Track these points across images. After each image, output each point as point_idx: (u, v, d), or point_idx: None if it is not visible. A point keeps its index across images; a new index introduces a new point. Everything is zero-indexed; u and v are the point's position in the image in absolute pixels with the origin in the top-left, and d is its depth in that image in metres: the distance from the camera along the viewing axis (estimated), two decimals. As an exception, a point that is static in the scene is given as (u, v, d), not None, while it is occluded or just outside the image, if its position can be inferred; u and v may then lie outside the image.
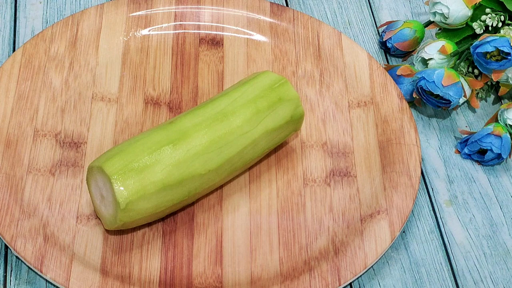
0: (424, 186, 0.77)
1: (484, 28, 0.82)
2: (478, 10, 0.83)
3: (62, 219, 0.70)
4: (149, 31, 0.83)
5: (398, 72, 0.81)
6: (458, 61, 0.81)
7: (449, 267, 0.72)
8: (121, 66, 0.80)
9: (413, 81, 0.82)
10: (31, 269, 0.68)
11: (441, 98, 0.78)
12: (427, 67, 0.82)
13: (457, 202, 0.76)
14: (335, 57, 0.82)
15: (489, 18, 0.81)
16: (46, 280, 0.67)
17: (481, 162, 0.79)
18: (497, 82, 0.84)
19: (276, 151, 0.76)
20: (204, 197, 0.73)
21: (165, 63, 0.81)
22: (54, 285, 0.67)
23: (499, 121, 0.79)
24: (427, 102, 0.79)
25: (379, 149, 0.76)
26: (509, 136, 0.78)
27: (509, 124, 0.79)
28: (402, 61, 0.86)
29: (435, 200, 0.76)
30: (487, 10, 0.82)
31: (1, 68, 0.77)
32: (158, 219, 0.71)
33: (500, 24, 0.81)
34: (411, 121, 0.78)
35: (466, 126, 0.82)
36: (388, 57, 0.86)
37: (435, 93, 0.78)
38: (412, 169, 0.74)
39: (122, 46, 0.82)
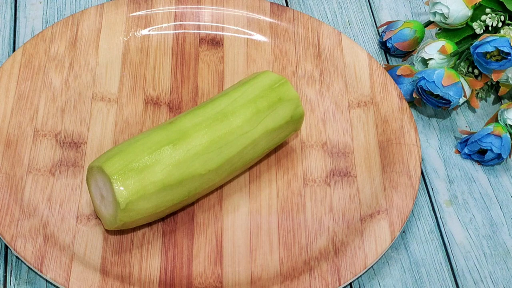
0: (424, 186, 0.77)
1: (484, 28, 0.82)
2: (478, 10, 0.83)
3: (62, 219, 0.70)
4: (149, 31, 0.83)
5: (398, 72, 0.81)
6: (458, 61, 0.81)
7: (449, 267, 0.72)
8: (121, 66, 0.80)
9: (413, 81, 0.82)
10: (31, 269, 0.68)
11: (441, 98, 0.78)
12: (427, 67, 0.82)
13: (457, 202, 0.76)
14: (335, 57, 0.82)
15: (489, 18, 0.81)
16: (46, 280, 0.67)
17: (481, 162, 0.79)
18: (497, 82, 0.84)
19: (276, 151, 0.76)
20: (204, 197, 0.73)
21: (165, 63, 0.81)
22: (54, 285, 0.67)
23: (499, 121, 0.79)
24: (427, 102, 0.79)
25: (379, 149, 0.76)
26: (509, 136, 0.78)
27: (509, 124, 0.79)
28: (402, 61, 0.86)
29: (435, 200, 0.76)
30: (487, 10, 0.82)
31: (1, 68, 0.77)
32: (158, 219, 0.71)
33: (500, 24, 0.81)
34: (411, 121, 0.78)
35: (466, 126, 0.82)
36: (388, 57, 0.86)
37: (435, 93, 0.78)
38: (412, 169, 0.74)
39: (122, 46, 0.82)
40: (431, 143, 0.80)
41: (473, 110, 0.84)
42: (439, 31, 0.85)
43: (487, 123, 0.80)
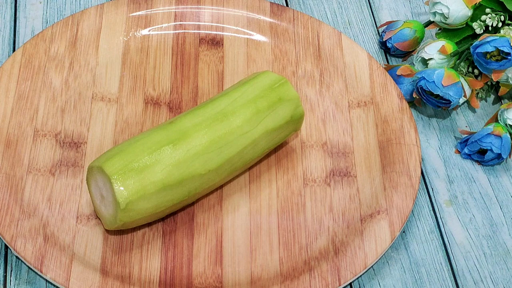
0: (424, 186, 0.77)
1: (484, 28, 0.82)
2: (478, 10, 0.83)
3: (62, 219, 0.70)
4: (149, 31, 0.83)
5: (398, 72, 0.81)
6: (458, 61, 0.81)
7: (449, 267, 0.72)
8: (121, 66, 0.80)
9: (413, 81, 0.82)
10: (31, 269, 0.68)
11: (441, 98, 0.78)
12: (427, 67, 0.82)
13: (457, 202, 0.76)
14: (335, 57, 0.82)
15: (489, 18, 0.81)
16: (46, 280, 0.67)
17: (481, 162, 0.79)
18: (497, 82, 0.84)
19: (276, 151, 0.76)
20: (204, 197, 0.73)
21: (165, 63, 0.81)
22: (54, 285, 0.67)
23: (499, 121, 0.79)
24: (427, 102, 0.79)
25: (379, 149, 0.76)
26: (509, 136, 0.78)
27: (509, 124, 0.79)
28: (402, 61, 0.86)
29: (435, 200, 0.76)
30: (487, 10, 0.82)
31: (1, 68, 0.77)
32: (158, 219, 0.71)
33: (500, 24, 0.81)
34: (411, 121, 0.78)
35: (466, 126, 0.82)
36: (388, 57, 0.86)
37: (435, 93, 0.78)
38: (412, 169, 0.74)
39: (122, 46, 0.82)
40: (431, 143, 0.80)
41: (473, 110, 0.84)
42: (439, 31, 0.85)
43: (487, 123, 0.80)
